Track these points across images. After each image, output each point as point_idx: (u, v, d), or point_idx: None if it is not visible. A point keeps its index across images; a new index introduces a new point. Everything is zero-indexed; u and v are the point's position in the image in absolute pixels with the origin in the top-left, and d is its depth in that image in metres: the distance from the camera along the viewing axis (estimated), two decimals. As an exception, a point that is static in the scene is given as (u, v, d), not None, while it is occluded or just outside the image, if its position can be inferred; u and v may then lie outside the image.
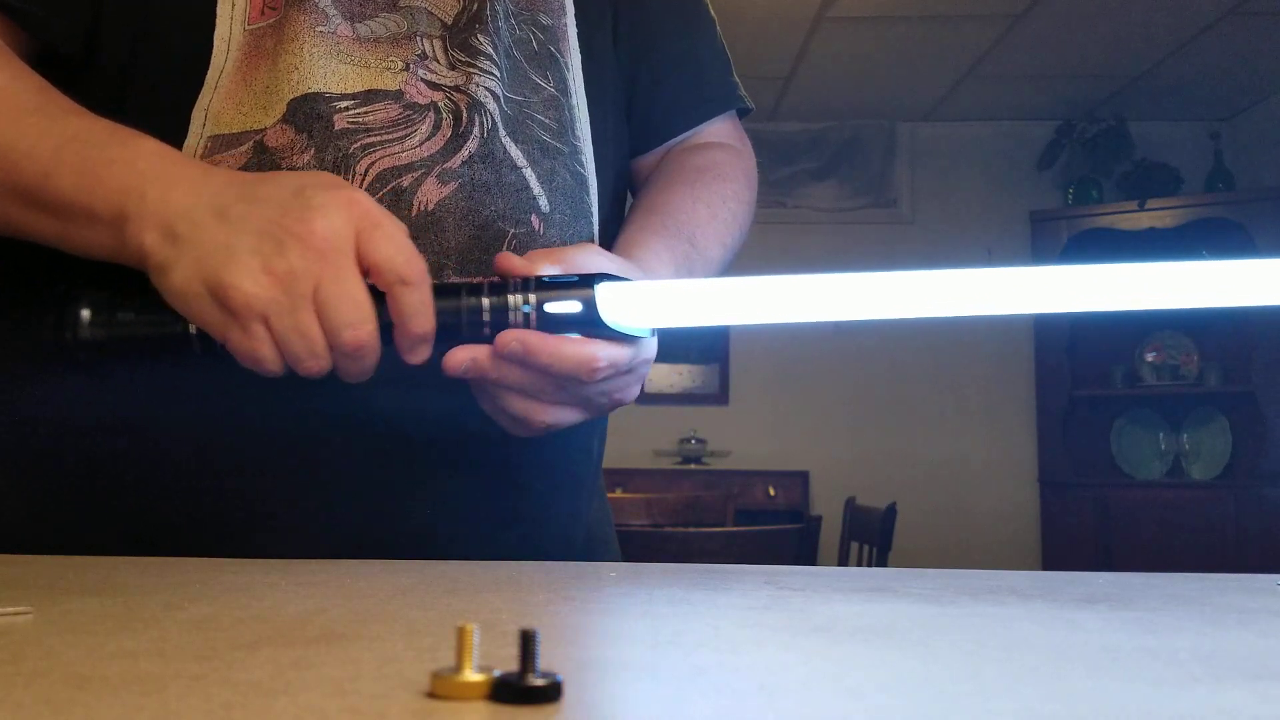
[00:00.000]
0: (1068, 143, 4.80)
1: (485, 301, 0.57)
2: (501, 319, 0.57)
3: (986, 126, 5.01)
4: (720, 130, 0.91)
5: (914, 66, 4.41)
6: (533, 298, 0.57)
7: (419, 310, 0.56)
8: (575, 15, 0.80)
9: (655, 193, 0.82)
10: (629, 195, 0.92)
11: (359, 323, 0.55)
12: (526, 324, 0.57)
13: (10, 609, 0.40)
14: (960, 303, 0.55)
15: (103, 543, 0.68)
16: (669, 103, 0.88)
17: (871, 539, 3.21)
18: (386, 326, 0.56)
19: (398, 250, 0.56)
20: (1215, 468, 4.67)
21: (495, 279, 0.59)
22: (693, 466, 4.76)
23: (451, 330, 0.58)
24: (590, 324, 0.57)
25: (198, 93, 0.68)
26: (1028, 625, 0.43)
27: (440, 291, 0.58)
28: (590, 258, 0.63)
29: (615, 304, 0.57)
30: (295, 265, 0.54)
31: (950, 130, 5.02)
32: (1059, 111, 4.81)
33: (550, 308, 0.57)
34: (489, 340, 0.58)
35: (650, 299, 0.58)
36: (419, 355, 0.58)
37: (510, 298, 0.57)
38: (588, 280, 0.58)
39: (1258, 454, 4.43)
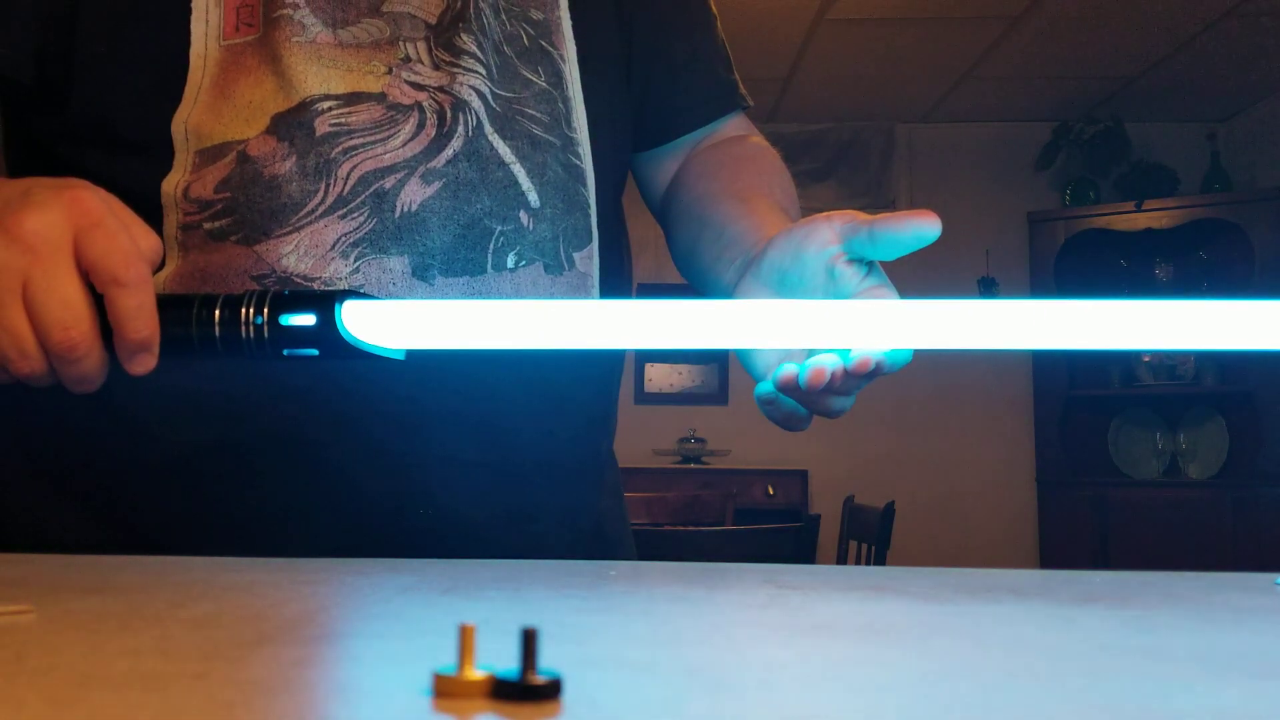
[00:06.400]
0: (1065, 144, 4.80)
1: (217, 313, 0.54)
2: (234, 331, 0.54)
3: (984, 128, 5.02)
4: (741, 124, 0.91)
5: (912, 68, 4.42)
6: (266, 310, 0.54)
7: (134, 314, 0.52)
8: (570, 7, 0.80)
9: (731, 181, 0.81)
10: (640, 190, 0.92)
11: (70, 323, 0.52)
12: (259, 337, 0.54)
13: (12, 608, 0.40)
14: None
15: (101, 542, 0.69)
16: (688, 97, 0.88)
17: (870, 538, 3.21)
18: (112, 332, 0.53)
19: (114, 249, 0.52)
20: (1212, 467, 4.67)
21: (234, 293, 0.56)
22: (692, 466, 4.77)
23: (181, 341, 0.55)
24: (328, 341, 0.54)
25: (174, 108, 0.69)
26: (1025, 624, 0.43)
27: (172, 302, 0.55)
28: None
29: (366, 322, 0.54)
30: (2, 260, 0.51)
31: (948, 131, 5.02)
32: (1056, 112, 4.82)
33: (286, 320, 0.54)
34: (219, 352, 0.55)
35: (404, 318, 0.55)
36: (140, 364, 0.54)
37: (243, 310, 0.54)
38: (329, 296, 0.55)
39: (1254, 453, 4.44)
